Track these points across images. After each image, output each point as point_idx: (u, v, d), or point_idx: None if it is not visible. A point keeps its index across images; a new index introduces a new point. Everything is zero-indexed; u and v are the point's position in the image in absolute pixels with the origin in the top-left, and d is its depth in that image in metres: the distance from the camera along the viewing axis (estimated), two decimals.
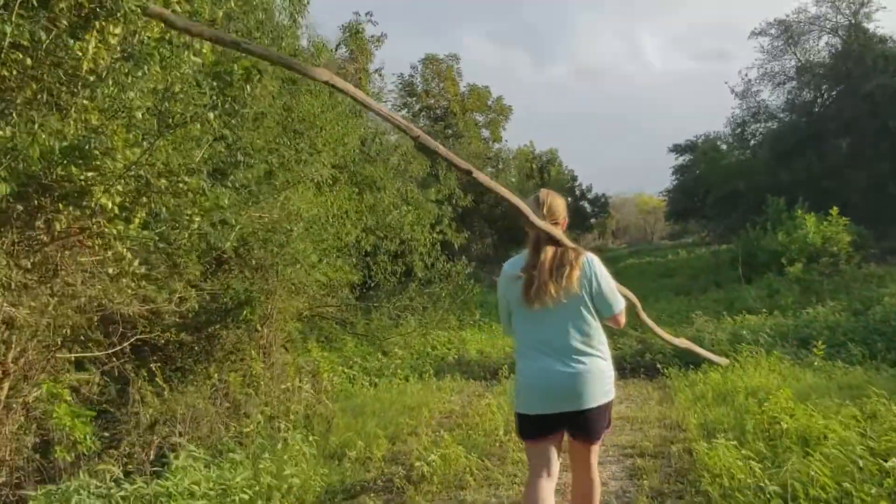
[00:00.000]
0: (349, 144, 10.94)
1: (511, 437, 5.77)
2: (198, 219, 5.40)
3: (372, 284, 12.06)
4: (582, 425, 3.22)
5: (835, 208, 13.21)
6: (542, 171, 43.72)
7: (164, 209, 5.03)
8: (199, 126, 4.59)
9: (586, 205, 54.77)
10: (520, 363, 3.35)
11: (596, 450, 3.35)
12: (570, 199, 47.64)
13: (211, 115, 4.55)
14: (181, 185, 4.92)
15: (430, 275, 11.68)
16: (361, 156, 13.17)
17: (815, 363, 7.87)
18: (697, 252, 35.08)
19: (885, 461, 4.03)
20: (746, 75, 31.15)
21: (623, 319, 3.34)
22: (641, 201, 76.66)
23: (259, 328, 8.02)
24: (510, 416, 6.72)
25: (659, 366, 8.58)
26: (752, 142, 29.84)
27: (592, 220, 55.71)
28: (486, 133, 33.57)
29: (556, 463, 3.29)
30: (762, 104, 28.81)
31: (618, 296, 3.31)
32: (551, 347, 3.18)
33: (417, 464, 4.77)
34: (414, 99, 31.16)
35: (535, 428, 3.27)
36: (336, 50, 16.41)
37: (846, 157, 25.28)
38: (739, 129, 29.72)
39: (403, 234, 12.13)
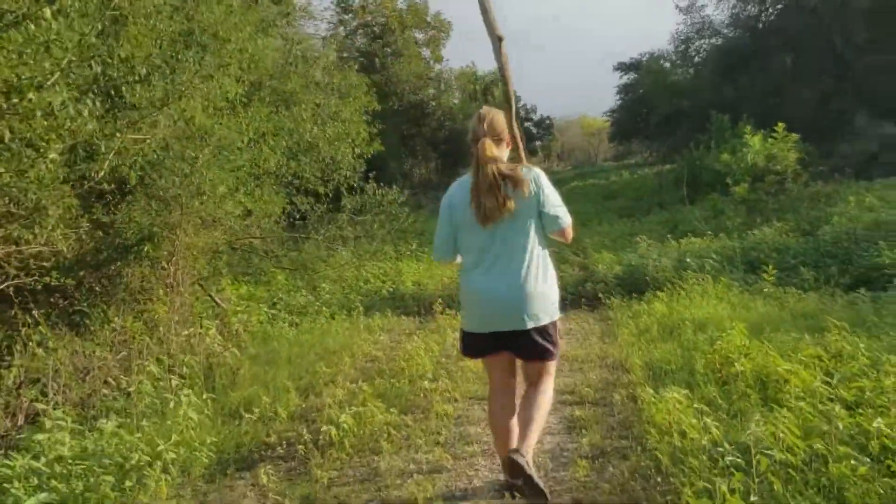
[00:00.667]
0: (263, 61, 9.96)
1: (438, 385, 5.15)
2: (57, 145, 4.52)
3: (298, 215, 11.24)
4: (528, 346, 3.24)
5: (780, 125, 12.71)
6: (485, 93, 42.68)
7: (7, 133, 4.14)
8: (31, 27, 3.66)
9: (531, 127, 54.12)
10: (465, 281, 3.34)
11: (550, 369, 3.36)
12: None
13: (48, 12, 3.64)
14: (26, 103, 4.03)
15: (361, 203, 10.88)
16: (280, 70, 12.14)
17: (766, 289, 7.42)
18: (641, 173, 34.77)
19: (856, 412, 3.51)
20: None
21: (570, 233, 3.36)
22: (585, 123, 76.30)
23: (165, 265, 7.23)
24: (440, 357, 6.17)
25: (601, 296, 8.04)
26: (697, 59, 29.21)
27: (537, 143, 55.13)
28: (426, 52, 32.21)
29: (513, 375, 3.41)
30: (706, 20, 28.09)
31: (565, 209, 3.30)
32: (497, 266, 3.19)
33: (325, 428, 4.10)
34: (350, 16, 29.56)
35: (479, 346, 3.35)
36: None
37: (791, 74, 24.87)
38: (683, 46, 29.02)
39: (323, 153, 11.25)
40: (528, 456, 3.10)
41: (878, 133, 20.45)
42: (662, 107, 25.99)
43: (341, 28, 29.44)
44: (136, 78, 5.86)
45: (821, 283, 7.73)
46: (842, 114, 23.35)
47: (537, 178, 3.25)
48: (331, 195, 11.03)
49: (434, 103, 33.37)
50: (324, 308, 8.39)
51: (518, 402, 3.39)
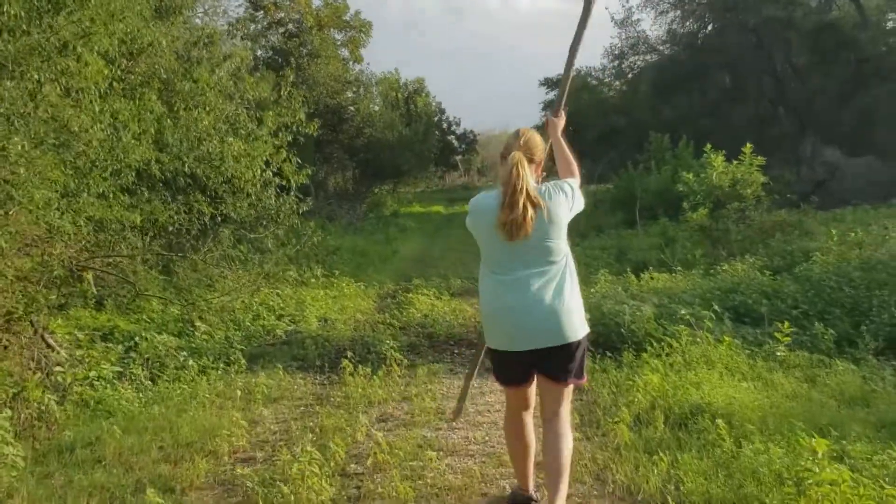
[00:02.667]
0: (155, 47, 7.77)
1: None
2: None
3: (174, 229, 8.97)
4: (555, 363, 3.17)
5: (748, 145, 11.23)
6: (408, 102, 40.77)
7: None
8: None
9: (453, 140, 52.44)
10: (489, 295, 3.25)
11: (568, 395, 3.28)
12: (436, 132, 45.23)
13: None
14: None
15: (255, 214, 8.69)
16: (181, 66, 9.78)
17: (779, 353, 5.67)
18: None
19: None
20: (628, 1, 29.18)
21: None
22: (506, 138, 75.31)
23: None
24: (347, 467, 4.13)
25: None
26: (630, 75, 28.04)
27: (458, 158, 53.51)
28: (345, 53, 30.05)
29: (532, 398, 3.38)
30: (641, 35, 26.93)
31: (581, 200, 3.33)
32: (523, 282, 3.12)
33: None
34: (261, 13, 27.12)
35: (510, 370, 3.30)
36: None
37: (730, 94, 23.94)
38: (617, 62, 27.79)
39: (225, 168, 8.95)
40: None
41: (822, 161, 19.49)
42: (596, 124, 24.59)
43: (253, 26, 26.97)
44: None
45: (843, 345, 6.06)
46: (781, 139, 22.46)
47: (562, 186, 3.25)
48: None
49: (353, 108, 31.18)
50: (193, 359, 6.19)
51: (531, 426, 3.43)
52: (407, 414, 4.93)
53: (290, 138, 9.38)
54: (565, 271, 3.16)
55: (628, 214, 17.97)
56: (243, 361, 6.14)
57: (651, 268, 10.14)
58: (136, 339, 6.85)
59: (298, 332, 7.82)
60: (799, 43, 21.48)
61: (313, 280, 10.26)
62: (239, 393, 5.36)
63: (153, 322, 7.85)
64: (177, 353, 6.11)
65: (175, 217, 8.69)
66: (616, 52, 27.49)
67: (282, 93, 10.14)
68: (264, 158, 9.11)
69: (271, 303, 8.64)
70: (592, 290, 8.09)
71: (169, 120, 8.47)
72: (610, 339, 6.28)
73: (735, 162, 11.23)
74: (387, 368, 5.93)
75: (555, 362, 3.15)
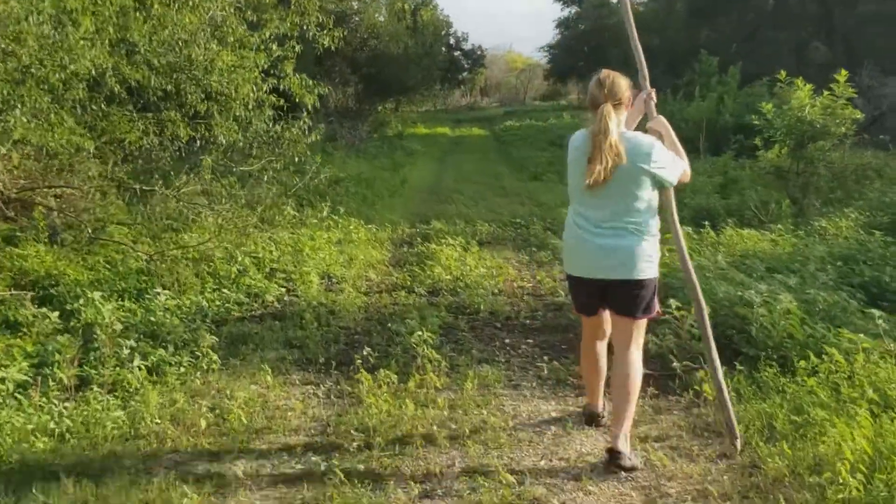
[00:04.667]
0: None
1: None
2: None
3: (145, 154, 7.08)
4: (621, 298, 3.31)
5: (843, 72, 9.27)
6: (414, 14, 38.01)
7: None
8: None
9: (460, 57, 49.67)
10: (570, 228, 3.45)
11: (638, 329, 3.37)
12: (443, 48, 42.62)
13: None
14: None
15: (246, 140, 6.78)
16: None
17: None
18: (585, 115, 31.31)
19: None
20: None
21: (687, 179, 3.46)
22: (511, 59, 72.63)
23: None
24: None
25: (676, 366, 4.25)
26: None
27: (464, 75, 50.83)
28: None
29: (605, 329, 3.58)
30: None
31: (677, 163, 3.34)
32: (601, 220, 3.27)
33: None
34: None
35: (582, 297, 3.52)
36: None
37: (771, 16, 21.63)
38: None
39: (208, 82, 6.94)
40: (619, 441, 3.23)
41: (880, 94, 17.40)
42: (623, 44, 22.17)
43: None
44: None
45: None
46: (827, 67, 20.29)
47: (652, 144, 3.23)
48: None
49: (357, 18, 28.67)
50: (146, 345, 4.41)
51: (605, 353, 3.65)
52: (466, 475, 3.18)
53: (299, 49, 7.36)
54: (644, 221, 3.26)
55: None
56: (215, 358, 4.35)
57: (722, 220, 8.35)
58: (82, 301, 5.09)
59: (295, 297, 6.04)
60: None
61: (314, 221, 8.43)
62: (203, 423, 3.59)
63: (112, 271, 6.10)
64: (122, 339, 4.31)
65: (143, 139, 6.82)
66: None
67: None
68: (261, 69, 7.12)
69: (261, 253, 6.82)
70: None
71: (138, 14, 6.47)
72: (730, 338, 4.51)
73: (825, 93, 9.23)
74: (419, 373, 4.19)
75: (620, 297, 3.31)
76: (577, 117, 32.31)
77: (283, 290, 6.23)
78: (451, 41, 47.91)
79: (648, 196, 3.24)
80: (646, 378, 3.96)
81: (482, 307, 5.69)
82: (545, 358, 4.62)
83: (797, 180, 9.26)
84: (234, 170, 6.81)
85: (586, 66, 36.92)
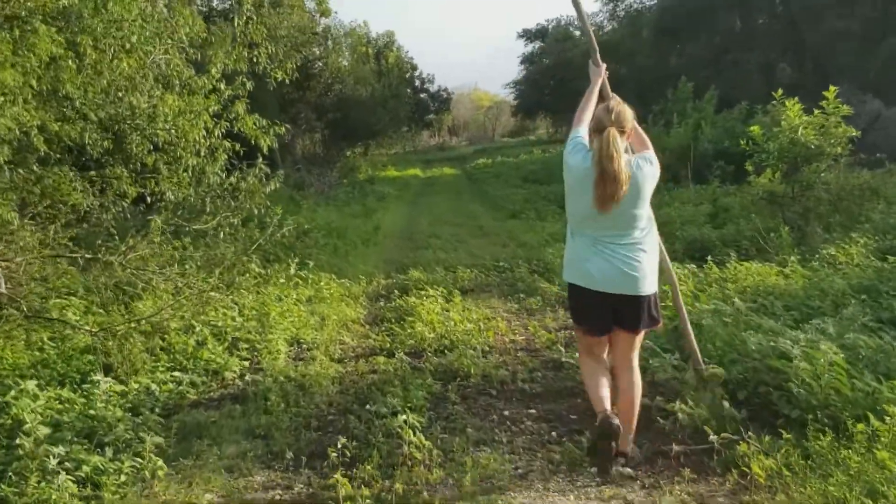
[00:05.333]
0: None
1: None
2: None
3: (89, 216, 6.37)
4: (629, 313, 3.41)
5: (832, 88, 8.80)
6: (378, 57, 37.76)
7: None
8: None
9: (427, 98, 49.48)
10: (573, 251, 3.51)
11: (639, 342, 3.56)
12: (409, 90, 42.40)
13: None
14: None
15: (199, 195, 6.10)
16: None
17: None
18: (555, 150, 30.96)
19: None
20: None
21: None
22: (477, 97, 73.03)
23: None
24: None
25: (713, 438, 3.55)
26: (624, 19, 25.35)
27: (431, 116, 50.60)
28: (310, 4, 27.01)
29: (605, 348, 3.60)
30: None
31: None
32: (608, 238, 3.36)
33: None
34: None
35: (588, 311, 3.50)
36: None
37: (740, 38, 21.50)
38: (611, 3, 25.04)
39: (154, 131, 6.28)
40: (630, 444, 3.47)
41: (864, 110, 17.12)
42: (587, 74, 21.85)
43: None
44: None
45: None
46: (797, 87, 20.10)
47: (650, 160, 3.38)
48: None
49: (321, 63, 28.26)
50: (79, 449, 3.67)
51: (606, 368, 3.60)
52: None
53: (250, 86, 6.74)
54: (646, 236, 3.42)
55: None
56: (160, 464, 3.61)
57: (718, 252, 7.81)
58: (13, 393, 4.34)
59: (259, 370, 5.32)
60: None
61: (282, 279, 7.72)
62: None
63: (57, 350, 5.37)
64: (51, 446, 3.57)
65: (83, 200, 6.13)
66: None
67: (236, 24, 7.37)
68: (212, 112, 6.47)
69: (221, 321, 6.09)
70: (695, 304, 5.66)
71: (70, 62, 5.82)
72: (768, 397, 3.87)
73: (816, 112, 8.76)
74: (407, 465, 3.50)
75: (630, 312, 3.41)
76: (548, 152, 32.03)
77: (247, 363, 5.51)
78: (417, 83, 47.80)
79: (648, 209, 3.42)
80: (678, 455, 3.30)
81: (472, 371, 5.00)
82: (553, 434, 3.95)
83: (794, 205, 8.74)
84: (187, 229, 6.11)
85: (552, 99, 36.88)
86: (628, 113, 3.39)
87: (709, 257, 7.50)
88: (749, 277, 6.50)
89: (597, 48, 4.00)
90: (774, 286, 6.06)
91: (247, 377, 5.19)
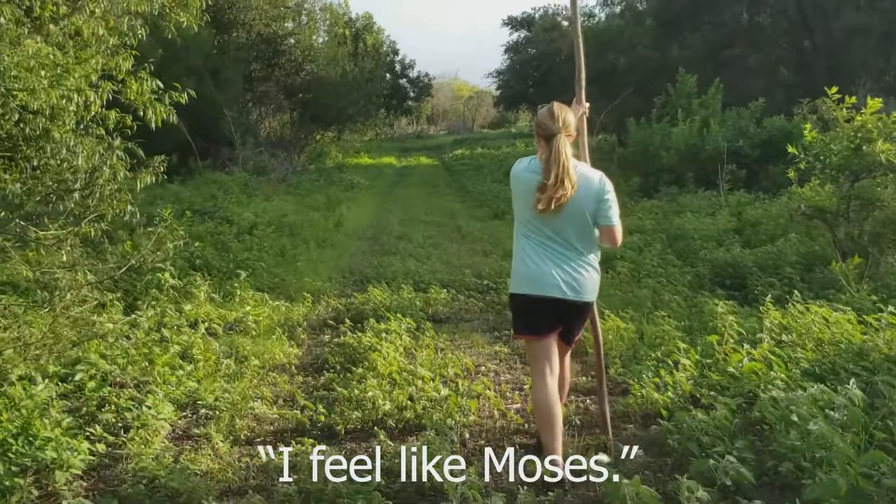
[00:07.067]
0: None
1: None
2: None
3: None
4: (573, 321, 3.47)
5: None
6: (356, 39, 35.66)
7: None
8: None
9: (406, 84, 47.43)
10: (519, 253, 3.44)
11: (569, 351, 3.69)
12: (388, 75, 40.44)
13: None
14: None
15: (44, 191, 4.12)
16: None
17: None
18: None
19: None
20: None
21: (619, 237, 3.40)
22: (457, 86, 71.27)
23: None
24: None
25: None
26: (620, 7, 23.54)
27: (410, 103, 48.56)
28: None
29: (556, 359, 3.49)
30: None
31: (616, 213, 3.36)
32: (555, 244, 3.33)
33: None
34: None
35: (534, 315, 3.42)
36: None
37: (746, 31, 19.85)
38: None
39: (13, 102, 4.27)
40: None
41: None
42: (593, 63, 20.05)
43: None
44: None
45: None
46: (810, 85, 18.48)
47: (602, 179, 3.35)
48: None
49: (292, 40, 26.12)
50: None
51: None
52: None
53: (143, 33, 4.80)
54: (591, 250, 3.39)
55: (646, 179, 13.78)
56: None
57: (755, 279, 6.03)
58: None
59: (117, 461, 3.41)
60: None
61: (198, 289, 5.78)
62: None
63: None
64: None
65: None
66: None
67: None
68: (95, 70, 4.50)
69: (79, 374, 4.14)
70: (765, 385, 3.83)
71: None
72: None
73: (893, 113, 6.96)
74: None
75: (574, 321, 3.47)
76: (531, 146, 30.26)
77: (103, 447, 3.59)
78: (398, 68, 45.72)
79: (592, 229, 3.36)
80: None
81: (451, 494, 3.10)
82: None
83: (851, 227, 6.97)
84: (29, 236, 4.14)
85: (537, 92, 35.09)
86: (572, 117, 3.38)
87: (756, 290, 5.72)
88: (824, 330, 4.69)
89: (583, 85, 3.84)
90: (859, 344, 4.27)
91: (101, 469, 3.26)
